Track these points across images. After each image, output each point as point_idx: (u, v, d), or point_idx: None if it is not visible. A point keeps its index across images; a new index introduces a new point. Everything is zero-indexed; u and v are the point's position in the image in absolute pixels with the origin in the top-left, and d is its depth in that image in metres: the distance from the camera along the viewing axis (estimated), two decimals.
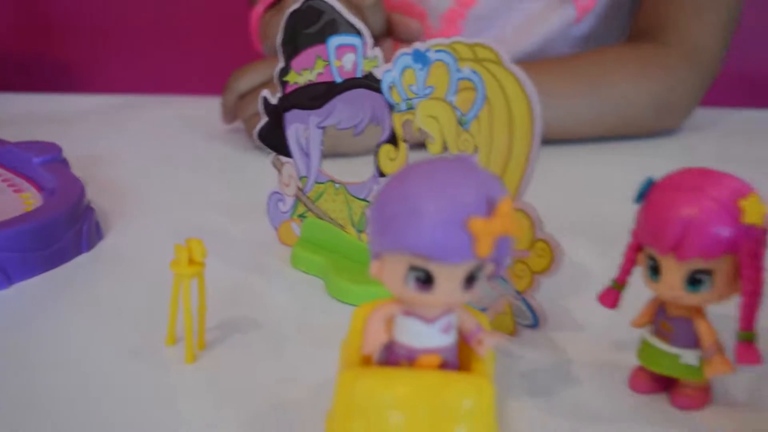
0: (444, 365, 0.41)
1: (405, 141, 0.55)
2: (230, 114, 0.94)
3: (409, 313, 0.40)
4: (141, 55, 1.52)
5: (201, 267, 0.49)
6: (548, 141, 0.94)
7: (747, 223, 0.42)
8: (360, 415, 0.39)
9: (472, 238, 0.36)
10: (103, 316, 0.55)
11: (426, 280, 0.38)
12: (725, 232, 0.42)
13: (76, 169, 0.73)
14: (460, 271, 0.37)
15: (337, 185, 0.60)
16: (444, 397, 0.38)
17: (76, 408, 0.45)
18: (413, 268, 0.38)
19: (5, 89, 1.16)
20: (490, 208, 0.37)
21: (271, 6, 0.98)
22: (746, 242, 0.42)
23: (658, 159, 0.91)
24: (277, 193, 0.64)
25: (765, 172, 0.90)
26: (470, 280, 0.38)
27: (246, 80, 0.92)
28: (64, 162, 0.72)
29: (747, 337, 0.44)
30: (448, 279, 0.38)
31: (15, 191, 0.68)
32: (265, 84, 0.89)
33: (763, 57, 1.31)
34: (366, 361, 0.42)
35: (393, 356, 0.41)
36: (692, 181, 0.43)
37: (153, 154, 0.94)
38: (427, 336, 0.40)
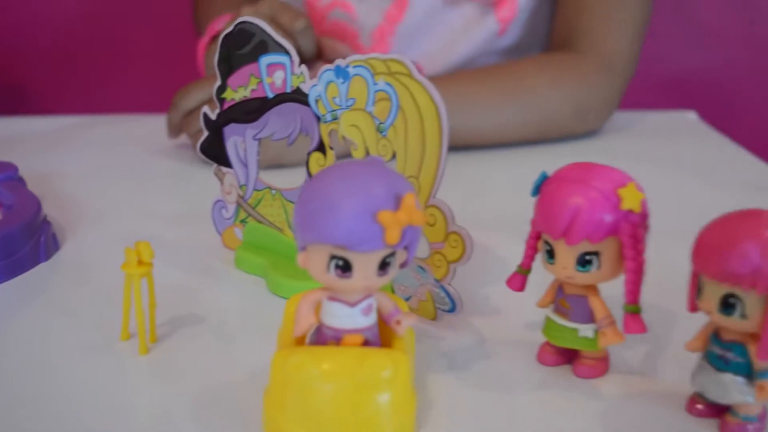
0: (366, 343, 0.46)
1: (332, 148, 0.60)
2: (176, 130, 0.98)
3: (333, 298, 0.46)
4: (89, 78, 1.55)
5: (149, 267, 0.54)
6: (474, 146, 1.00)
7: (626, 209, 0.48)
8: (293, 388, 0.44)
9: (382, 229, 0.42)
10: (62, 317, 0.59)
11: (345, 267, 0.43)
12: (607, 217, 0.48)
13: (32, 186, 0.77)
14: (374, 258, 0.43)
15: (273, 191, 0.65)
16: (365, 369, 0.44)
17: (41, 398, 0.50)
18: (333, 257, 0.43)
19: None
20: (396, 202, 0.43)
21: (216, 36, 1.02)
22: (626, 226, 0.48)
23: (579, 160, 0.96)
24: (220, 201, 0.69)
25: (678, 170, 0.98)
26: (384, 265, 0.44)
27: (189, 98, 0.95)
28: (21, 180, 0.77)
29: (633, 310, 0.50)
30: (364, 265, 0.43)
31: None
32: (207, 101, 0.92)
33: (677, 61, 1.37)
34: (299, 343, 0.48)
35: (321, 337, 0.47)
36: (578, 174, 0.49)
37: (103, 170, 0.98)
38: (350, 318, 0.46)
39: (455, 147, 0.99)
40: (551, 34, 1.15)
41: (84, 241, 0.74)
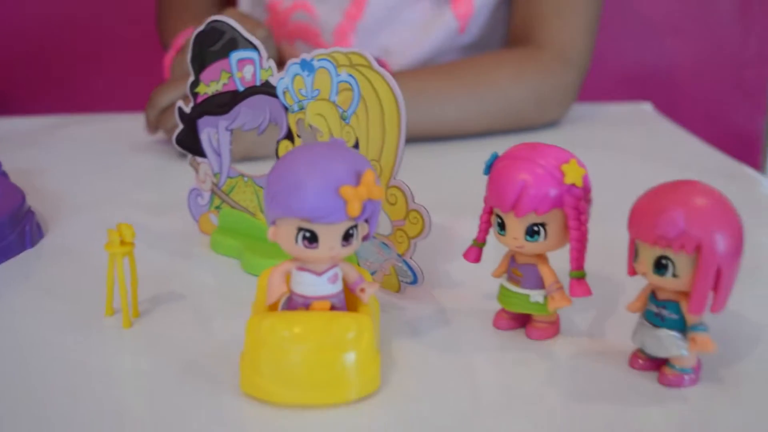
0: (333, 309, 0.51)
1: (299, 136, 0.64)
2: (153, 126, 1.01)
3: (301, 268, 0.50)
4: (62, 79, 1.57)
5: (131, 247, 0.57)
6: (438, 137, 1.04)
7: (569, 184, 0.52)
8: (266, 350, 0.48)
9: (344, 202, 0.46)
10: (49, 297, 0.63)
11: (312, 239, 0.48)
12: (552, 191, 0.52)
13: (15, 180, 0.80)
14: (338, 229, 0.48)
15: (245, 178, 0.69)
16: (332, 331, 0.48)
17: (32, 369, 0.53)
18: (301, 229, 0.48)
19: None
20: (357, 178, 0.47)
21: (181, 49, 1.05)
22: (569, 199, 0.52)
23: None
24: (195, 189, 0.73)
25: (631, 155, 1.02)
26: (347, 236, 0.48)
27: (165, 96, 0.98)
28: (4, 174, 0.80)
29: (578, 275, 0.54)
30: (329, 236, 0.48)
31: None
32: (183, 98, 0.94)
33: (635, 56, 1.41)
34: (272, 310, 0.52)
35: (292, 304, 0.51)
36: (525, 152, 0.53)
37: (84, 165, 1.00)
38: (317, 285, 0.50)
39: (420, 138, 1.03)
40: (509, 29, 1.18)
41: (67, 229, 0.77)
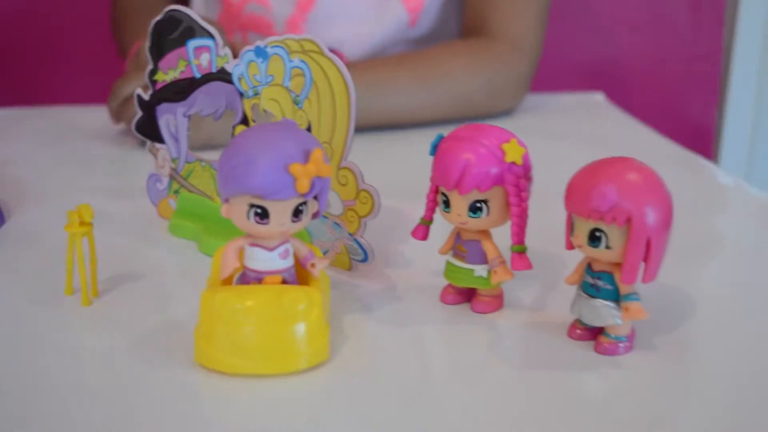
0: (285, 283, 0.53)
1: (254, 121, 0.66)
2: (116, 116, 1.01)
3: (254, 244, 0.52)
4: (26, 71, 1.56)
5: (90, 227, 0.59)
6: (394, 126, 1.06)
7: (509, 162, 0.55)
8: (220, 323, 0.50)
9: (293, 179, 0.48)
10: (10, 279, 0.64)
11: (263, 215, 0.50)
12: (493, 169, 0.54)
13: None
14: (288, 206, 0.50)
15: (203, 163, 0.71)
16: (283, 303, 0.50)
17: None
18: (252, 206, 0.50)
19: None
20: (306, 156, 0.49)
21: (138, 52, 1.05)
22: (510, 176, 0.55)
23: None
24: (154, 174, 0.74)
25: (580, 142, 1.05)
26: (297, 213, 0.50)
27: (127, 86, 0.98)
28: None
29: (519, 249, 0.56)
30: (279, 212, 0.50)
31: None
32: (143, 89, 0.95)
33: (589, 47, 1.43)
34: (226, 284, 0.54)
35: (245, 279, 0.53)
36: (468, 133, 0.55)
37: (45, 156, 1.00)
38: (269, 261, 0.52)
39: (374, 127, 1.05)
40: (463, 20, 1.20)
41: (29, 215, 0.78)
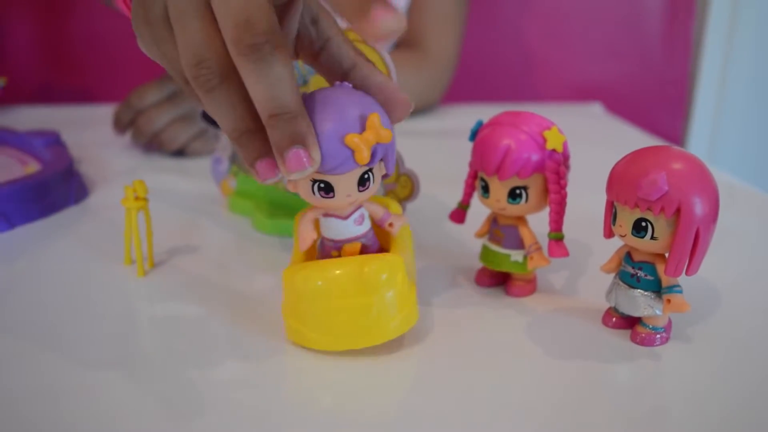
0: (365, 249, 0.39)
1: None
2: (122, 127, 0.77)
3: (327, 214, 0.38)
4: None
5: (144, 202, 0.45)
6: None
7: (550, 149, 0.40)
8: (304, 300, 0.37)
9: (352, 151, 0.35)
10: (82, 248, 0.51)
11: (327, 189, 0.36)
12: (534, 156, 0.40)
13: (74, 151, 0.68)
14: (352, 177, 0.36)
15: None
16: (365, 276, 0.36)
17: (63, 308, 0.42)
18: (315, 181, 0.36)
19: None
20: (362, 124, 0.35)
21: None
22: (550, 163, 0.40)
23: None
24: (217, 157, 0.60)
25: (582, 142, 0.89)
26: (363, 182, 0.36)
27: (145, 99, 0.75)
28: (61, 143, 0.68)
29: (556, 237, 0.41)
30: (344, 185, 0.36)
31: (21, 165, 0.63)
32: (163, 102, 0.75)
33: (582, 70, 1.30)
34: (308, 255, 0.40)
35: (325, 249, 0.40)
36: (509, 119, 0.41)
37: (127, 139, 0.82)
38: (345, 229, 0.38)
39: None
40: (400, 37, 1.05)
41: (108, 191, 0.64)
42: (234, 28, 0.32)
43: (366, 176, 0.36)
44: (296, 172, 0.33)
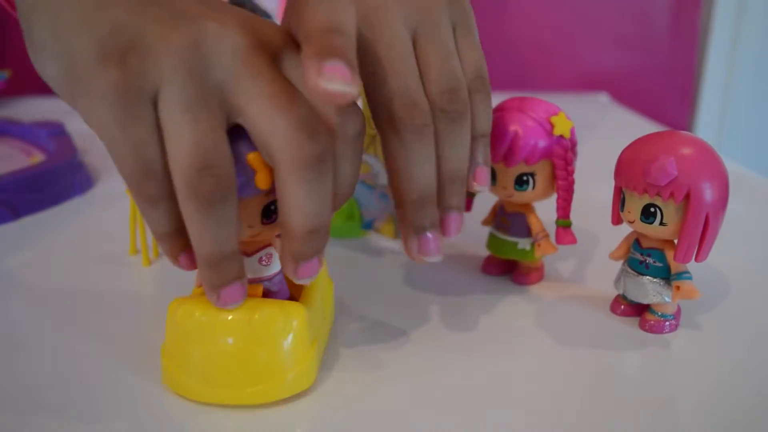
0: (269, 293, 0.34)
1: None
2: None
3: None
4: None
5: None
6: None
7: (557, 135, 0.39)
8: (183, 341, 0.31)
9: (254, 172, 0.29)
10: (88, 238, 0.51)
11: None
12: (541, 142, 0.39)
13: (78, 141, 0.68)
14: (254, 205, 0.30)
15: None
16: (255, 321, 0.31)
17: (66, 297, 0.41)
18: None
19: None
20: None
21: None
22: (558, 150, 0.39)
23: None
24: None
25: (590, 131, 0.88)
26: (267, 214, 0.31)
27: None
28: (66, 134, 0.67)
29: (564, 224, 0.41)
30: (245, 213, 0.30)
31: (26, 156, 0.63)
32: None
33: (590, 59, 1.29)
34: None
35: None
36: (516, 105, 0.40)
37: None
38: (248, 267, 0.32)
39: None
40: None
41: (113, 182, 0.64)
42: (290, 146, 0.27)
43: (272, 207, 0.31)
44: (305, 278, 0.30)
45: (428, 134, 0.32)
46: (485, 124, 0.35)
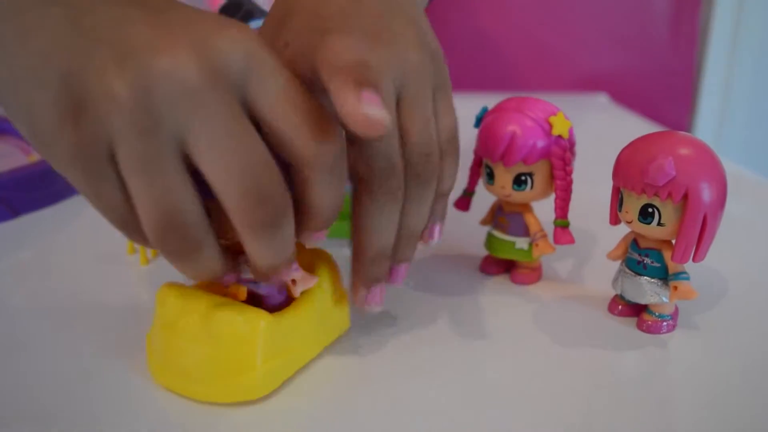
0: (259, 298, 0.34)
1: None
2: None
3: None
4: None
5: None
6: None
7: (556, 135, 0.39)
8: (157, 327, 0.33)
9: None
10: (86, 236, 0.50)
11: None
12: (540, 142, 0.39)
13: None
14: None
15: None
16: (212, 322, 0.31)
17: (65, 296, 0.41)
18: None
19: None
20: None
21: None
22: (556, 150, 0.39)
23: None
24: None
25: (587, 131, 0.88)
26: None
27: None
28: None
29: (562, 224, 0.41)
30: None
31: (24, 154, 0.63)
32: None
33: (592, 60, 1.29)
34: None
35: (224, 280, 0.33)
36: (514, 105, 0.40)
37: None
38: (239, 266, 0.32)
39: None
40: None
41: None
42: (243, 199, 0.27)
43: None
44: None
45: (400, 198, 0.33)
46: (449, 184, 0.36)
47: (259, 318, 0.31)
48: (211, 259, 0.28)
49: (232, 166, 0.26)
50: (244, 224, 0.27)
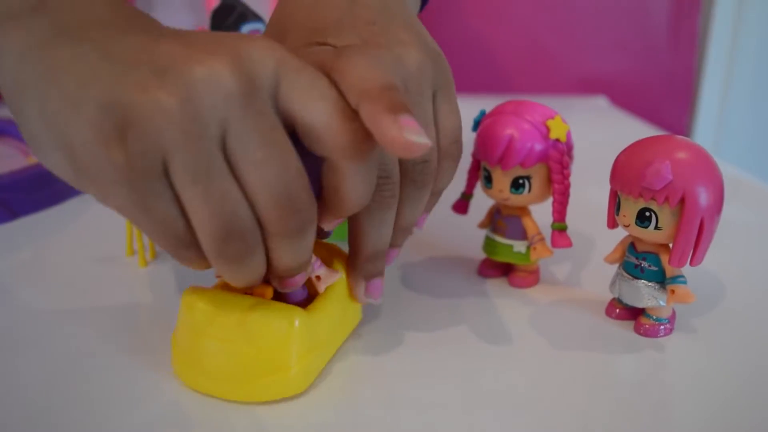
0: (282, 295, 0.34)
1: None
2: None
3: None
4: None
5: None
6: None
7: (553, 139, 0.39)
8: (186, 330, 0.33)
9: None
10: (85, 238, 0.50)
11: None
12: (537, 146, 0.39)
13: None
14: None
15: None
16: (248, 323, 0.31)
17: (64, 297, 0.41)
18: None
19: None
20: None
21: None
22: (554, 153, 0.40)
23: None
24: None
25: (587, 131, 0.88)
26: None
27: None
28: None
29: (560, 227, 0.41)
30: None
31: (24, 155, 0.63)
32: None
33: (590, 63, 1.29)
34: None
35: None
36: (512, 108, 0.40)
37: None
38: None
39: None
40: None
41: None
42: (276, 209, 0.27)
43: None
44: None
45: (394, 205, 0.33)
46: (446, 183, 0.36)
47: (294, 315, 0.32)
48: (262, 263, 0.29)
49: (267, 175, 0.27)
50: (275, 232, 0.28)
